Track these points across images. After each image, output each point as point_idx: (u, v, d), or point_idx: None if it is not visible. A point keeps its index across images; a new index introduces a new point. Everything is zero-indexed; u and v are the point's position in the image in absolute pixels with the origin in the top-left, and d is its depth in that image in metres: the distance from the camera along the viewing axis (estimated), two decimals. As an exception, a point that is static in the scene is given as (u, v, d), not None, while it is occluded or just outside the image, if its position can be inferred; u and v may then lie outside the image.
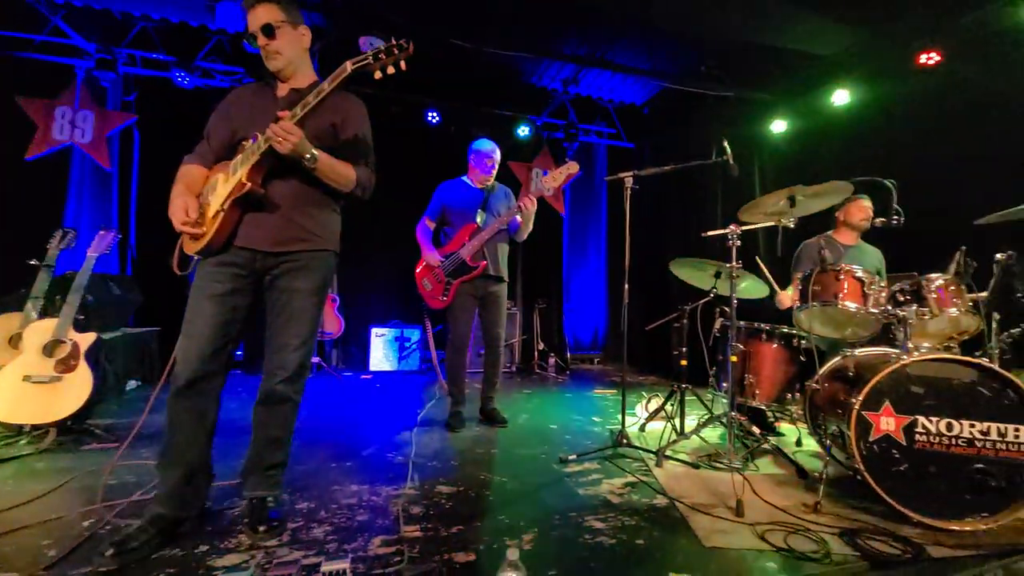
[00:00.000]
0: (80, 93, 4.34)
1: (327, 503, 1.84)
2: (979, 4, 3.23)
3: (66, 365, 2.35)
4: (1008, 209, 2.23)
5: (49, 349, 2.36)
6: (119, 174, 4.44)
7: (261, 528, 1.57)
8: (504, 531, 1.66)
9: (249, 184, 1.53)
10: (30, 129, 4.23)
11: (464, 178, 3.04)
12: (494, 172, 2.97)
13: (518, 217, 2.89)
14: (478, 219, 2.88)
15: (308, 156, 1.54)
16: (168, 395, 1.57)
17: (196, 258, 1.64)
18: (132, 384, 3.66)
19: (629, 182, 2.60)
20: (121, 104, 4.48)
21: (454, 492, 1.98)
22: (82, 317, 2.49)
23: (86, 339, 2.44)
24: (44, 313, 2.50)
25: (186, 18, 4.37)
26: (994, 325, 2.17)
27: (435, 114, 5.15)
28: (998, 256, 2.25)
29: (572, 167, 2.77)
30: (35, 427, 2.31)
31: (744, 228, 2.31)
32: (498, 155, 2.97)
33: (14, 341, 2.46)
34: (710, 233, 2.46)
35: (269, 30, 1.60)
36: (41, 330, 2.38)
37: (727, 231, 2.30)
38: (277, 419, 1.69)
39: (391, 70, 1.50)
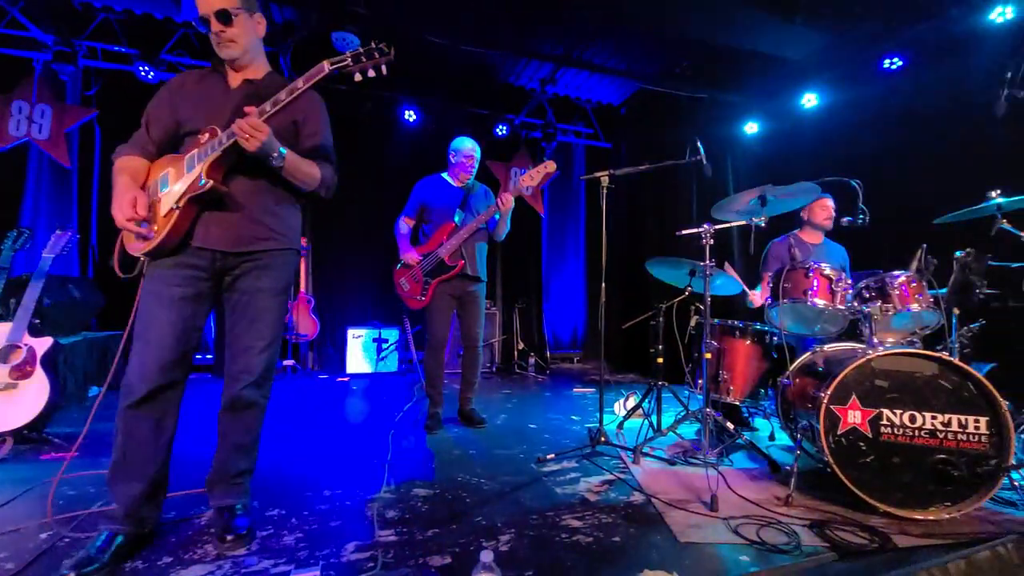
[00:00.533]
0: (37, 87, 4.15)
1: (299, 509, 1.80)
2: (939, 11, 3.35)
3: (21, 371, 2.24)
4: (966, 208, 2.32)
5: (3, 355, 2.25)
6: (79, 171, 4.27)
7: (229, 537, 1.51)
8: (480, 532, 1.64)
9: (210, 181, 1.44)
10: (-18, 125, 4.02)
11: (444, 175, 3.01)
12: (474, 171, 2.95)
13: (496, 216, 2.88)
14: (457, 218, 2.86)
15: (275, 155, 1.48)
16: (121, 407, 1.46)
17: (142, 259, 1.52)
18: (94, 391, 3.52)
19: (605, 181, 2.61)
20: (81, 99, 4.30)
21: (430, 494, 1.96)
22: (38, 321, 2.37)
23: (42, 344, 2.33)
24: (-3, 317, 2.37)
25: (150, 10, 4.22)
26: (954, 320, 2.26)
27: (412, 112, 5.09)
28: (957, 254, 2.34)
29: (549, 166, 2.77)
30: (-12, 436, 2.20)
31: (717, 227, 2.34)
32: (478, 153, 2.95)
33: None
34: (684, 232, 2.49)
35: (226, 16, 1.51)
36: (-7, 335, 2.26)
37: (700, 230, 2.33)
38: (243, 425, 1.63)
39: (371, 73, 1.46)
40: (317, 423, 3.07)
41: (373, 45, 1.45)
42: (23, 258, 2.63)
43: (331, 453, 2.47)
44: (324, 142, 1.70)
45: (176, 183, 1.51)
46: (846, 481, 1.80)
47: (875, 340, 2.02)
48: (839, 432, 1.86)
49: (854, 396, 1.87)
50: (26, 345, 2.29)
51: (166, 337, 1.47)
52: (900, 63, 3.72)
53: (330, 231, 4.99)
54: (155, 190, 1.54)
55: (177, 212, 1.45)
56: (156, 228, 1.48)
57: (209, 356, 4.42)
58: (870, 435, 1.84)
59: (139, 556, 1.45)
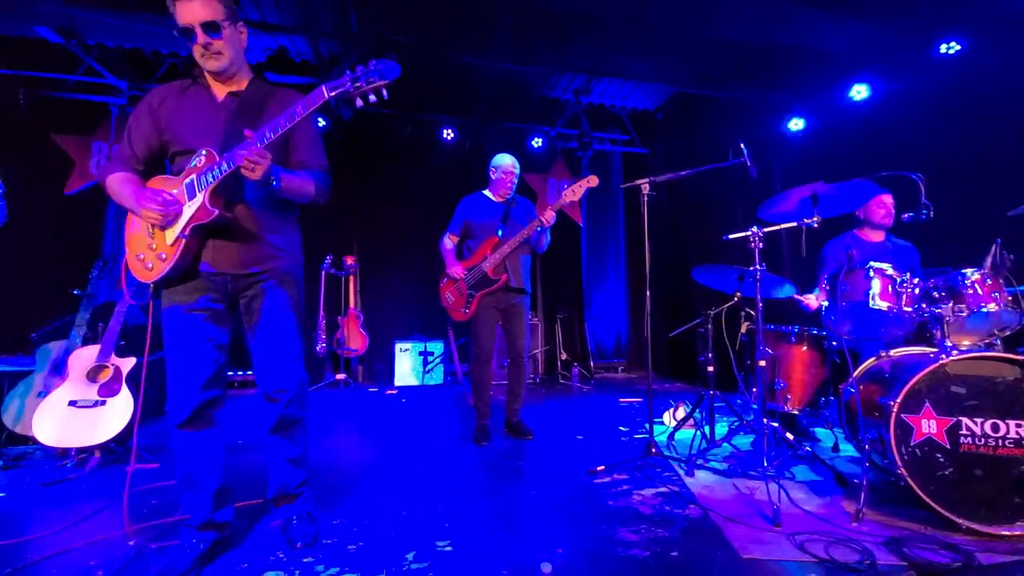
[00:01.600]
0: (115, 128, 4.56)
1: (359, 519, 1.87)
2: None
3: (109, 389, 2.45)
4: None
5: (92, 374, 2.47)
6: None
7: (299, 544, 1.62)
8: (536, 545, 1.65)
9: (216, 210, 1.44)
10: (68, 165, 4.46)
11: (485, 192, 3.08)
12: (515, 186, 3.01)
13: (538, 230, 2.91)
14: (499, 232, 2.91)
15: (274, 179, 1.46)
16: (170, 428, 1.55)
17: (152, 286, 1.53)
18: (168, 406, 3.78)
19: (646, 189, 2.59)
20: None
21: (484, 506, 1.98)
22: (123, 342, 2.59)
23: (127, 363, 2.54)
24: (87, 340, 2.61)
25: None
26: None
27: (450, 131, 5.23)
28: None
29: (591, 180, 2.79)
30: (80, 450, 2.41)
31: (767, 230, 2.28)
32: (518, 169, 3.01)
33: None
34: (732, 236, 2.43)
35: (214, 28, 1.47)
36: (85, 357, 2.49)
37: (749, 233, 2.27)
38: (292, 441, 1.70)
39: (372, 98, 1.40)
40: (371, 434, 3.17)
41: (372, 66, 1.38)
42: (106, 284, 2.90)
43: (385, 464, 2.55)
44: (314, 147, 1.68)
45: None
46: (923, 495, 1.69)
47: (948, 343, 1.89)
48: (912, 443, 1.75)
49: (928, 404, 1.76)
50: (113, 365, 2.51)
51: (195, 360, 1.52)
52: (958, 47, 3.50)
53: (376, 249, 5.18)
54: None
55: (184, 240, 1.45)
56: (164, 256, 1.47)
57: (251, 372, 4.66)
58: (948, 446, 1.73)
59: (218, 561, 1.56)
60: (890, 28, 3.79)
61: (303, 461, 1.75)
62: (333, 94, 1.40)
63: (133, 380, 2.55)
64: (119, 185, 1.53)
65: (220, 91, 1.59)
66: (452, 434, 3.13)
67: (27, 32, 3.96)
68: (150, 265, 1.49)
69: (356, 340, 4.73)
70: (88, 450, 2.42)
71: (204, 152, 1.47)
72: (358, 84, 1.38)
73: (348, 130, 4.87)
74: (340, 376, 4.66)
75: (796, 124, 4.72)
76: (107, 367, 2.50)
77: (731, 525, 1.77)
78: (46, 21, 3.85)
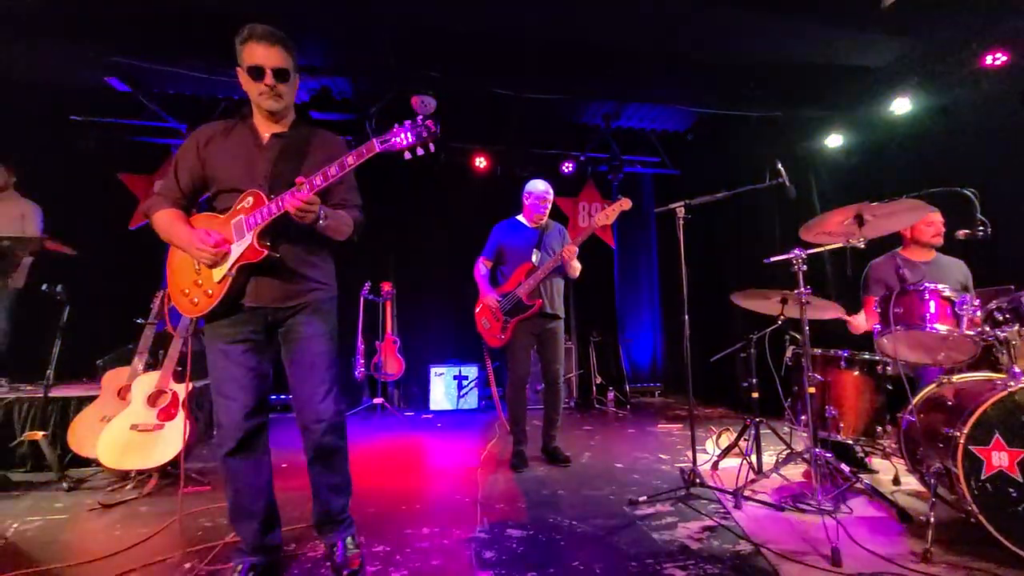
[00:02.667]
0: (173, 168, 4.91)
1: (401, 547, 1.88)
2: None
3: (167, 414, 2.58)
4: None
5: (152, 399, 2.61)
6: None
7: (345, 572, 1.64)
8: (580, 578, 1.62)
9: (265, 251, 1.52)
10: (133, 202, 4.82)
11: (519, 218, 3.14)
12: (547, 211, 3.05)
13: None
14: (534, 258, 2.95)
15: (322, 221, 1.56)
16: (219, 457, 1.60)
17: (193, 320, 1.60)
18: (216, 429, 3.93)
19: (680, 212, 2.58)
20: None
21: (524, 536, 1.96)
22: (180, 368, 2.74)
23: (184, 389, 2.68)
24: (149, 367, 2.77)
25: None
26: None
27: (482, 159, 5.37)
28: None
29: (624, 203, 2.80)
30: (139, 472, 2.53)
31: (810, 252, 2.22)
32: (552, 195, 3.05)
33: (123, 393, 2.74)
34: (773, 259, 2.38)
35: (284, 75, 1.59)
36: (146, 382, 2.64)
37: (791, 256, 2.22)
38: (332, 469, 1.72)
39: (420, 152, 1.52)
40: (409, 460, 3.20)
41: (420, 122, 1.49)
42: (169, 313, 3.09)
43: (425, 490, 2.56)
44: (351, 189, 1.76)
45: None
46: (995, 533, 1.58)
47: (1017, 369, 1.77)
48: (983, 477, 1.64)
49: (997, 435, 1.65)
50: (171, 391, 2.64)
51: (240, 390, 1.57)
52: (1004, 58, 3.38)
53: (412, 276, 5.31)
54: None
55: (231, 278, 1.53)
56: (211, 292, 1.55)
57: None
58: (1021, 480, 1.61)
59: (269, 586, 1.60)
60: (928, 41, 3.70)
61: (345, 488, 1.77)
62: (383, 148, 1.50)
63: (190, 405, 2.68)
64: (168, 223, 1.60)
65: (265, 131, 1.67)
66: (488, 460, 3.12)
67: (98, 82, 4.35)
68: (196, 300, 1.57)
69: (393, 365, 4.81)
70: (147, 472, 2.54)
71: (252, 194, 1.55)
72: (409, 138, 1.49)
73: (382, 160, 5.05)
74: (377, 400, 4.74)
75: (834, 141, 4.62)
76: (165, 392, 2.64)
77: (786, 563, 1.69)
78: (115, 72, 4.24)
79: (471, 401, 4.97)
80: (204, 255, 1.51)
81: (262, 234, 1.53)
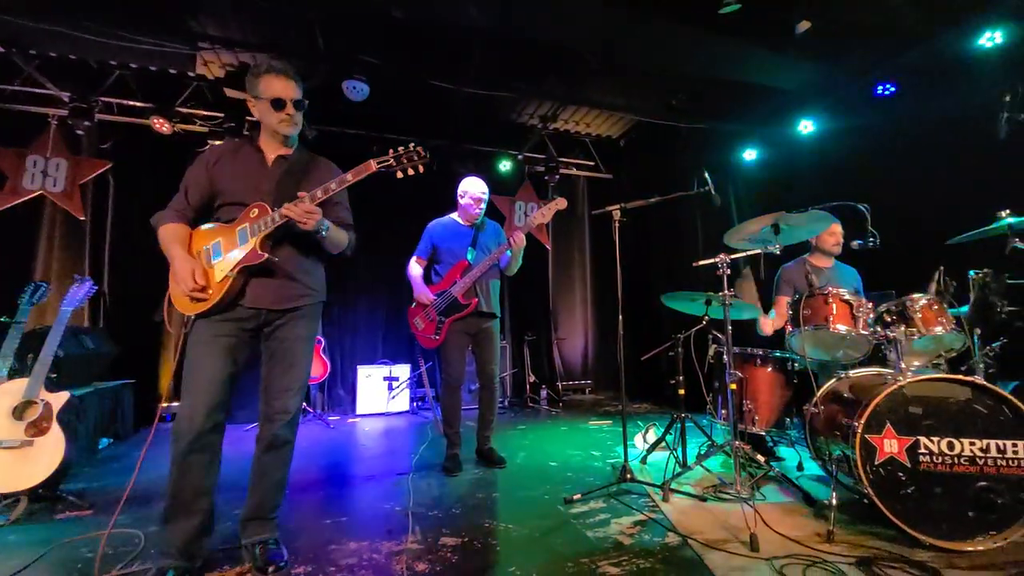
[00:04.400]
0: (53, 141, 4.25)
1: (325, 565, 1.74)
2: (928, 37, 3.46)
3: (38, 428, 2.20)
4: (977, 230, 2.34)
5: (19, 412, 2.22)
6: (92, 222, 4.32)
7: (271, 570, 1.64)
8: (517, 584, 1.58)
9: (265, 255, 1.65)
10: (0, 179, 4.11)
11: (453, 216, 3.05)
12: (483, 210, 2.98)
13: (508, 253, 2.90)
14: (469, 256, 2.88)
15: (323, 229, 1.72)
16: (174, 451, 1.60)
17: (190, 317, 1.69)
18: (104, 443, 3.46)
19: (617, 215, 2.63)
20: (96, 151, 4.40)
21: (459, 543, 1.90)
22: (54, 375, 2.35)
23: (59, 399, 2.30)
24: (14, 373, 2.35)
25: (165, 65, 4.37)
26: (975, 340, 2.24)
27: (417, 152, 5.19)
28: (972, 273, 2.34)
29: (560, 203, 2.81)
30: (4, 496, 2.14)
31: (733, 256, 2.36)
32: (487, 194, 2.98)
33: (-21, 405, 2.30)
34: (701, 263, 2.50)
35: (301, 106, 1.79)
36: (11, 392, 2.23)
37: (717, 260, 2.34)
38: (281, 462, 1.78)
39: (411, 172, 1.77)
40: (333, 468, 3.00)
41: (412, 148, 1.75)
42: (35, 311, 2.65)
43: (350, 500, 2.41)
44: (346, 210, 1.94)
45: (230, 252, 1.68)
46: (889, 514, 1.75)
47: (902, 365, 1.99)
48: (876, 462, 1.82)
49: (888, 424, 1.83)
50: (42, 400, 2.26)
51: (212, 383, 1.63)
52: (893, 89, 3.83)
53: (337, 271, 4.99)
54: (207, 258, 1.71)
55: (231, 279, 1.65)
56: (211, 292, 1.66)
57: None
58: (908, 465, 1.80)
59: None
60: (832, 69, 4.11)
61: (284, 485, 1.81)
62: (380, 167, 1.73)
63: (66, 418, 2.31)
64: (170, 239, 1.71)
65: (271, 153, 1.83)
66: (421, 464, 3.01)
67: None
68: (196, 299, 1.65)
69: (316, 367, 4.51)
70: (14, 496, 2.15)
71: (258, 206, 1.69)
72: (402, 161, 1.74)
73: (311, 147, 4.72)
74: (299, 404, 4.42)
75: (750, 154, 5.00)
76: (35, 403, 2.26)
77: (711, 552, 1.77)
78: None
79: (402, 403, 4.79)
80: (187, 287, 1.62)
81: (264, 240, 1.67)
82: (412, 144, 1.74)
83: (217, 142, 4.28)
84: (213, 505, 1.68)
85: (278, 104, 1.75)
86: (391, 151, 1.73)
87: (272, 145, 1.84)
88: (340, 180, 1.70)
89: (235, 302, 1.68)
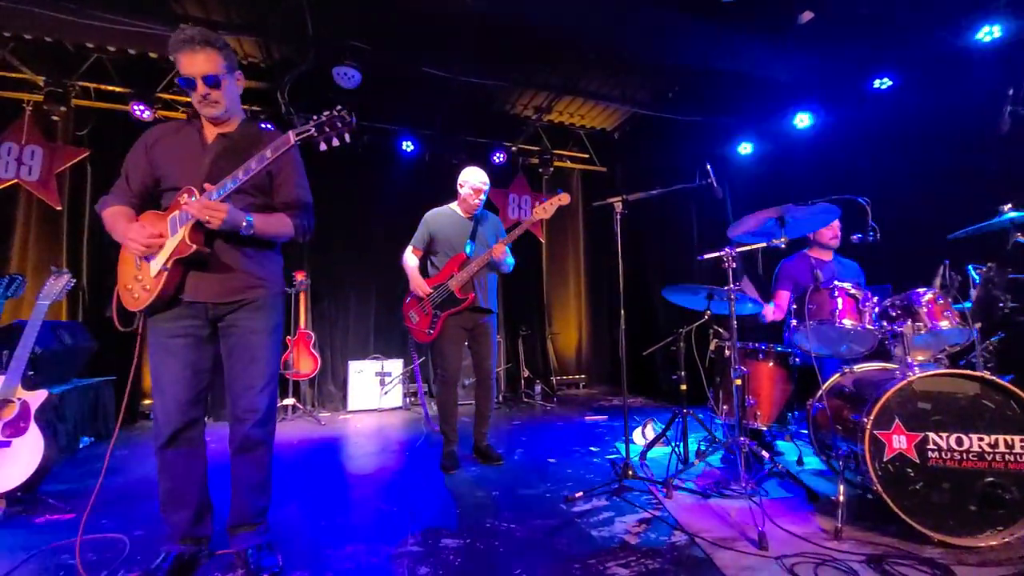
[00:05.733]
0: (28, 128, 4.06)
1: (321, 570, 1.67)
2: (927, 31, 3.45)
3: (14, 428, 2.09)
4: (979, 224, 2.33)
5: (-7, 412, 2.10)
6: (69, 212, 4.15)
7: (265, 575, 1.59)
8: (523, 588, 1.53)
9: (194, 246, 1.52)
10: (-30, 167, 3.91)
11: (452, 206, 2.96)
12: (483, 202, 2.90)
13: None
14: (468, 249, 2.80)
15: (244, 224, 1.55)
16: (155, 449, 1.61)
17: (139, 314, 1.60)
18: (85, 441, 3.33)
19: (619, 207, 2.58)
20: (73, 138, 4.22)
21: (461, 545, 1.84)
22: (32, 373, 2.23)
23: (37, 397, 2.19)
24: (-13, 371, 2.23)
25: (145, 49, 4.19)
26: (975, 335, 2.23)
27: (410, 143, 5.08)
28: (972, 268, 2.33)
29: (563, 198, 2.74)
30: (-24, 502, 2.03)
31: (739, 250, 2.31)
32: (488, 185, 2.88)
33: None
34: (706, 256, 2.46)
35: (214, 81, 1.58)
36: (-17, 390, 2.12)
37: (722, 253, 2.30)
38: (256, 463, 1.69)
39: (335, 142, 1.52)
40: (326, 467, 2.92)
41: (335, 113, 1.50)
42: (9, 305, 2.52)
43: (345, 501, 2.34)
44: (297, 192, 1.74)
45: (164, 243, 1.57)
46: (898, 511, 1.73)
47: (911, 360, 1.97)
48: (885, 458, 1.79)
49: (897, 420, 1.81)
50: (19, 399, 2.15)
51: (178, 383, 1.58)
52: (890, 83, 3.81)
53: (329, 265, 4.90)
54: None
55: (166, 273, 1.54)
56: (148, 287, 1.55)
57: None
58: (917, 461, 1.78)
59: None
60: (829, 62, 4.08)
61: (265, 487, 1.73)
62: (299, 139, 1.51)
63: (45, 417, 2.19)
64: (113, 218, 1.61)
65: (211, 132, 1.68)
66: (416, 461, 2.94)
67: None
68: (136, 295, 1.58)
69: (307, 363, 4.41)
70: (-14, 501, 2.04)
71: (188, 191, 1.56)
72: (324, 129, 1.50)
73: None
74: (289, 401, 4.32)
75: (745, 148, 4.97)
76: (11, 402, 2.14)
77: (719, 551, 1.73)
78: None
79: (395, 399, 4.71)
80: (136, 246, 1.53)
81: (195, 230, 1.53)
82: (337, 108, 1.50)
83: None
84: (205, 496, 1.69)
85: (188, 84, 1.57)
86: (312, 118, 1.51)
87: (212, 126, 1.68)
88: (259, 158, 1.50)
89: (176, 297, 1.57)
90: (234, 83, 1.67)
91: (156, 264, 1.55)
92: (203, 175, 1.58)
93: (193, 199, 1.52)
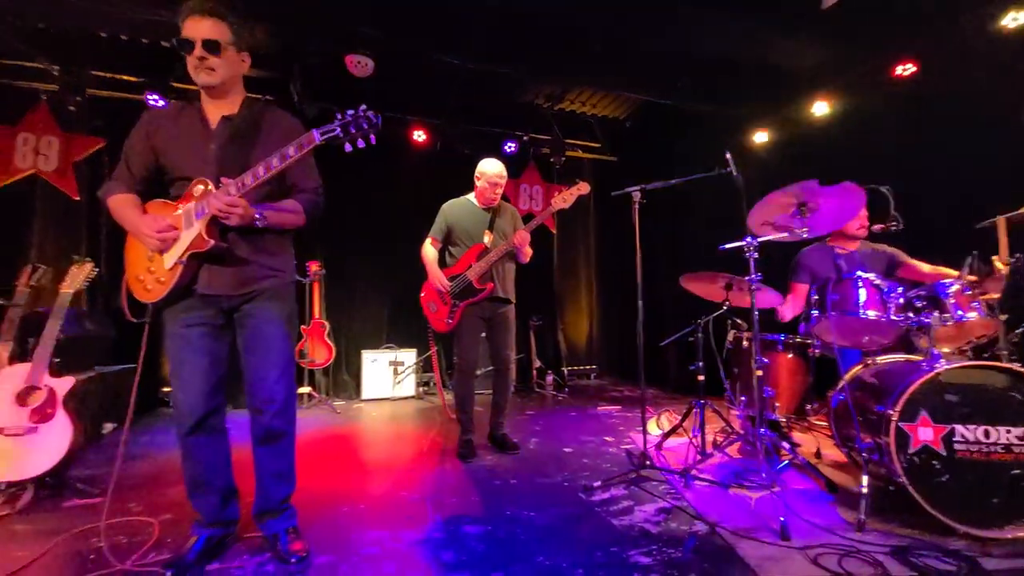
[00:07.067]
0: (44, 118, 4.08)
1: (347, 555, 1.69)
2: (951, 16, 3.36)
3: (42, 414, 2.13)
4: (1006, 214, 2.29)
5: (22, 398, 2.14)
6: (88, 202, 4.18)
7: (293, 560, 1.62)
8: (547, 574, 1.54)
9: (212, 241, 1.51)
10: (-12, 157, 3.95)
11: (470, 197, 2.95)
12: (500, 194, 2.88)
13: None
14: (486, 239, 2.79)
15: (258, 218, 1.54)
16: (178, 436, 1.63)
17: (150, 305, 1.60)
18: (108, 427, 3.39)
19: (637, 196, 2.56)
20: (90, 128, 4.24)
21: (482, 532, 1.86)
22: (58, 360, 2.27)
23: (63, 384, 2.22)
24: (14, 357, 2.27)
25: (158, 37, 4.18)
26: (1002, 327, 2.20)
27: (420, 132, 5.06)
28: (995, 259, 2.27)
29: (583, 188, 2.73)
30: (10, 484, 2.07)
31: (762, 239, 2.29)
32: (505, 177, 2.86)
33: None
34: (727, 246, 2.43)
35: (214, 47, 1.52)
36: (13, 377, 2.15)
37: (744, 243, 2.27)
38: (278, 453, 1.71)
39: (360, 144, 1.47)
40: (345, 454, 2.96)
41: (361, 113, 1.44)
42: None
43: (366, 487, 2.36)
44: (308, 170, 1.71)
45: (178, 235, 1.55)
46: (924, 503, 1.72)
47: (936, 352, 1.95)
48: (911, 451, 1.78)
49: (923, 412, 1.79)
50: (46, 386, 2.18)
51: (196, 373, 1.60)
52: (913, 69, 3.72)
53: (342, 255, 4.91)
54: None
55: (181, 267, 1.53)
56: (163, 279, 1.55)
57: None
58: (944, 453, 1.77)
59: (218, 559, 1.64)
60: (849, 48, 4.00)
61: (289, 477, 1.74)
62: (324, 139, 1.47)
63: (72, 403, 2.23)
64: (120, 207, 1.59)
65: (213, 114, 1.62)
66: (433, 450, 2.97)
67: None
68: (149, 287, 1.58)
69: (321, 351, 4.44)
70: (19, 485, 2.09)
71: (201, 182, 1.53)
72: (349, 130, 1.45)
73: (312, 126, 4.59)
74: (304, 390, 4.37)
75: (760, 137, 4.89)
76: (39, 388, 2.18)
77: (741, 542, 1.74)
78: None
79: (408, 388, 4.75)
80: (151, 241, 1.52)
81: (211, 224, 1.51)
82: (363, 108, 1.45)
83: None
84: (230, 480, 1.72)
85: (185, 46, 1.51)
86: (336, 117, 1.45)
87: (213, 104, 1.62)
88: (281, 156, 1.46)
89: (190, 289, 1.57)
90: (238, 61, 1.61)
91: (171, 257, 1.53)
92: (212, 164, 1.56)
93: (211, 192, 1.50)
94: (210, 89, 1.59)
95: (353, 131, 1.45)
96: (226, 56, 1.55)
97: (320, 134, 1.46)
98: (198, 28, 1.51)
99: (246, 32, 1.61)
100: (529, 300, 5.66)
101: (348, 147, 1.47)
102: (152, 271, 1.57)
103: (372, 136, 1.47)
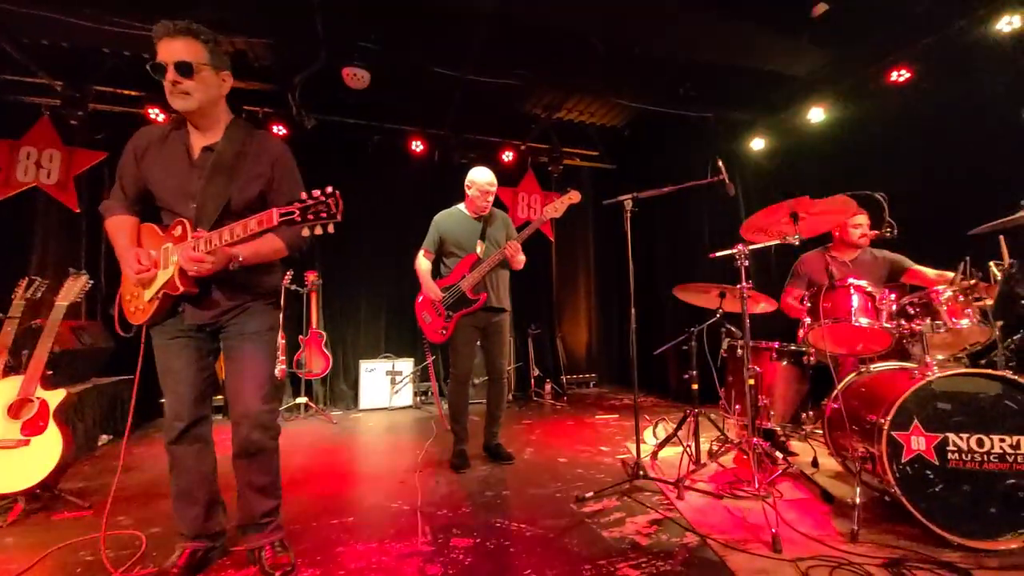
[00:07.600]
0: (46, 132, 4.14)
1: (333, 568, 1.68)
2: (945, 22, 3.36)
3: (34, 427, 2.14)
4: (1001, 219, 2.27)
5: (15, 410, 2.15)
6: (87, 215, 4.22)
7: (277, 574, 1.61)
8: (534, 588, 1.53)
9: (182, 288, 1.53)
10: (-9, 171, 4.00)
11: (461, 207, 2.96)
12: (491, 202, 2.89)
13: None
14: (479, 249, 2.80)
15: (232, 263, 1.53)
16: (165, 445, 1.66)
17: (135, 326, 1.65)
18: (104, 439, 3.39)
19: (628, 205, 2.56)
20: (91, 142, 4.29)
21: (471, 545, 1.84)
22: (51, 372, 2.28)
23: (55, 396, 2.23)
24: (9, 369, 2.28)
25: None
26: (997, 333, 2.17)
27: (419, 143, 5.10)
28: (992, 264, 2.26)
29: (574, 196, 2.74)
30: (2, 497, 2.08)
31: (752, 247, 2.28)
32: (495, 185, 2.87)
33: (-27, 403, 2.23)
34: (718, 254, 2.43)
35: (186, 69, 1.47)
36: (5, 389, 2.16)
37: (735, 251, 2.26)
38: (259, 468, 1.69)
39: (319, 231, 1.42)
40: (336, 465, 2.94)
41: (323, 199, 1.38)
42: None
43: (357, 498, 2.35)
44: (290, 187, 1.67)
45: (157, 271, 1.58)
46: (917, 514, 1.70)
47: (928, 359, 1.93)
48: (903, 460, 1.76)
49: (916, 421, 1.77)
50: (38, 399, 2.19)
51: (182, 383, 1.63)
52: (907, 75, 3.72)
53: (339, 265, 4.93)
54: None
55: (157, 301, 1.57)
56: (142, 308, 1.60)
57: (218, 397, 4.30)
58: (937, 463, 1.74)
59: (203, 573, 1.64)
60: (844, 55, 4.01)
61: (271, 491, 1.72)
62: (281, 220, 1.43)
63: (64, 415, 2.24)
64: (115, 232, 1.63)
65: (197, 143, 1.61)
66: (428, 460, 2.95)
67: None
68: (133, 310, 1.64)
69: (318, 362, 4.45)
70: (10, 497, 2.09)
71: (180, 223, 1.54)
72: (307, 216, 1.40)
73: (311, 138, 4.64)
74: (301, 400, 4.36)
75: (758, 144, 4.90)
76: (31, 401, 2.19)
77: (732, 554, 1.71)
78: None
79: (405, 398, 4.74)
80: (131, 276, 1.56)
81: (182, 272, 1.52)
82: (328, 192, 1.39)
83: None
84: (215, 492, 1.73)
85: (157, 70, 1.47)
86: (296, 203, 1.40)
87: (197, 133, 1.60)
88: (244, 226, 1.45)
89: (173, 312, 1.62)
90: (217, 82, 1.55)
91: (149, 292, 1.58)
92: (192, 200, 1.55)
93: (186, 241, 1.50)
94: (189, 114, 1.55)
95: (311, 218, 1.40)
96: (201, 77, 1.50)
97: (279, 215, 1.42)
98: (170, 50, 1.46)
99: (224, 50, 1.57)
100: (527, 308, 5.68)
101: (306, 231, 1.43)
102: (136, 296, 1.63)
103: (330, 226, 1.41)
